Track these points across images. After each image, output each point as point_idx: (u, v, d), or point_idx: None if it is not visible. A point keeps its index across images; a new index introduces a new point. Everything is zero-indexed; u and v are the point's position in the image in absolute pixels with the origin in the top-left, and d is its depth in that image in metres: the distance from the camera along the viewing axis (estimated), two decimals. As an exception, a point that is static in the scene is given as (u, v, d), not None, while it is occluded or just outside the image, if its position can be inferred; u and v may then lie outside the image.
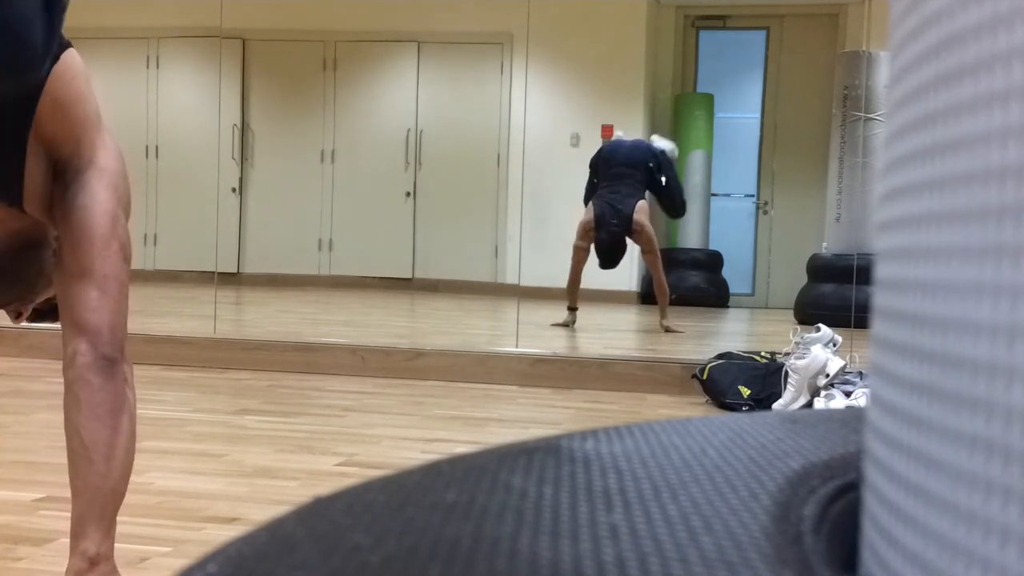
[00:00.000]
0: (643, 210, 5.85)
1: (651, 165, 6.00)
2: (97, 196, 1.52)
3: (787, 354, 4.01)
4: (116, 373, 1.49)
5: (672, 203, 6.18)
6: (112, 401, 1.48)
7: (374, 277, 9.03)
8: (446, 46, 9.16)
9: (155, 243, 8.80)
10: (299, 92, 9.34)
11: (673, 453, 0.36)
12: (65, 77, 1.52)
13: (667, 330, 5.93)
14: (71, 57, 1.55)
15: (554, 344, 5.09)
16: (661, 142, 6.23)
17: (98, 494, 1.48)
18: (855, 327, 4.70)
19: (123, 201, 1.57)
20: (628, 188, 5.87)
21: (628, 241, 5.90)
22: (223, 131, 8.96)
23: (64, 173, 1.54)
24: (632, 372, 4.44)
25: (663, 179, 6.02)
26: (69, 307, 1.50)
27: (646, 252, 5.92)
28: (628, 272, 8.25)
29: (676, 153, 6.42)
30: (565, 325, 5.91)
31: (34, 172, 1.53)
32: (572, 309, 5.97)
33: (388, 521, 0.28)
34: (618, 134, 6.76)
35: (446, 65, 9.20)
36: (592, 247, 5.90)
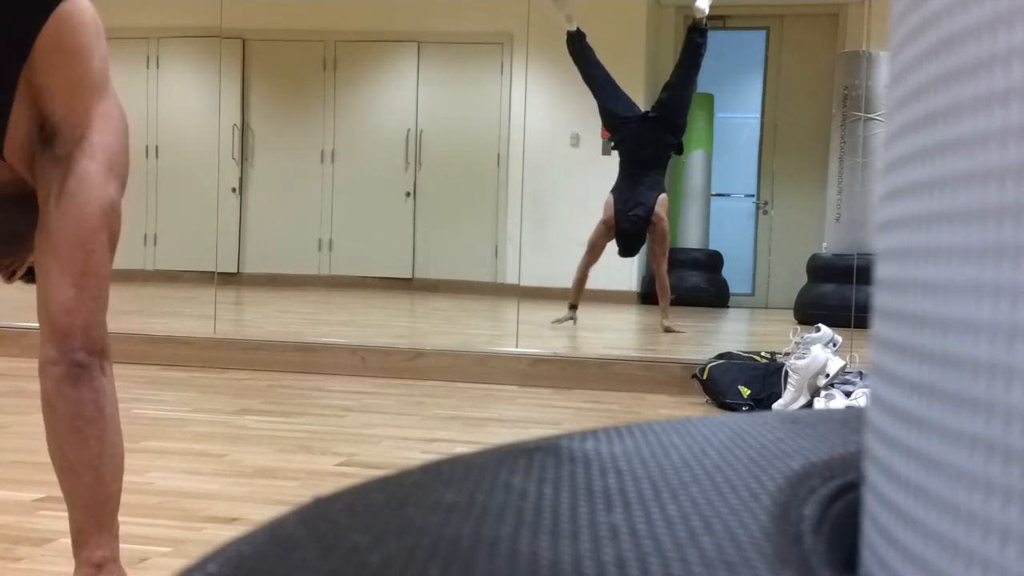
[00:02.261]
0: (663, 204, 5.86)
1: (674, 153, 5.98)
2: (87, 180, 1.39)
3: (787, 354, 4.01)
4: (91, 378, 1.42)
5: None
6: (90, 409, 1.42)
7: (374, 277, 9.02)
8: (446, 46, 9.16)
9: (155, 243, 8.80)
10: (299, 92, 9.34)
11: (673, 453, 0.36)
12: (69, 24, 1.37)
13: (667, 330, 5.93)
14: (81, 5, 1.39)
15: (554, 344, 5.09)
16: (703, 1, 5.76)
17: (91, 503, 1.44)
18: (855, 327, 4.70)
19: (120, 176, 1.45)
20: (652, 180, 5.86)
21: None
22: (223, 131, 8.96)
23: (54, 142, 1.40)
24: (632, 372, 4.44)
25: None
26: (44, 301, 1.41)
27: (656, 244, 5.91)
28: (628, 272, 8.25)
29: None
30: (563, 321, 5.88)
31: (19, 121, 1.39)
32: (573, 307, 5.94)
33: (388, 521, 0.28)
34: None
35: (446, 65, 9.20)
36: (611, 241, 5.88)
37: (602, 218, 5.88)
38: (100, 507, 1.45)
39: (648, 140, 5.88)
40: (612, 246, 5.95)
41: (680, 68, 5.90)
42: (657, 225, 5.82)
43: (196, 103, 9.04)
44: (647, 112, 5.95)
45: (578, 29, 5.93)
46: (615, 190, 5.91)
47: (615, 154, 6.09)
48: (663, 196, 5.87)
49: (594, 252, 5.93)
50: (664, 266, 5.97)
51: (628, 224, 5.78)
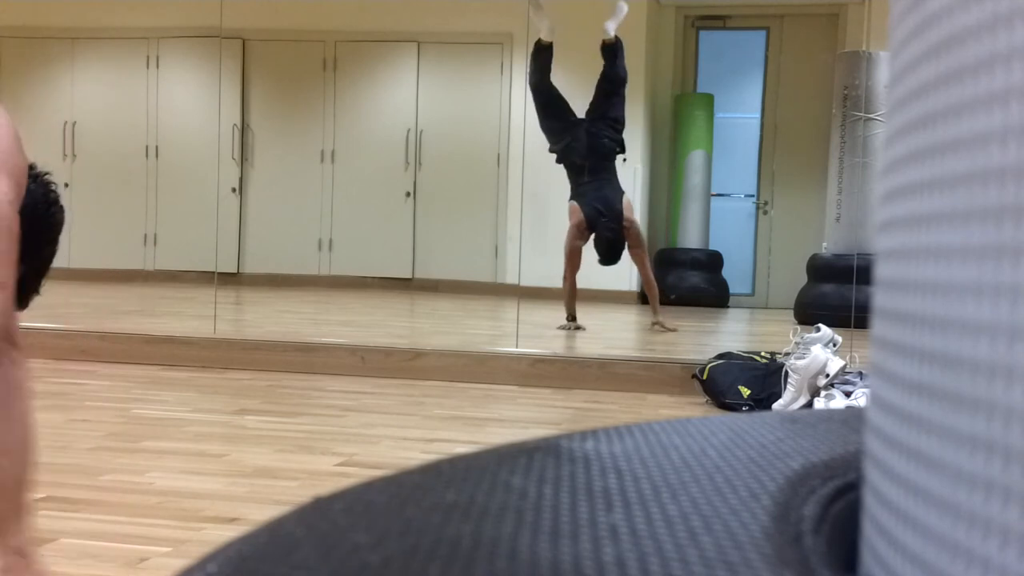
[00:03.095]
0: (629, 206, 5.91)
1: (618, 150, 6.05)
2: None
3: (787, 354, 4.01)
4: None
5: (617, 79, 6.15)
6: None
7: (374, 277, 9.03)
8: (446, 46, 9.16)
9: (155, 243, 8.80)
10: (299, 92, 9.35)
11: (673, 453, 0.36)
12: None
13: (659, 325, 5.94)
14: None
15: (554, 344, 5.09)
16: (611, 25, 6.09)
17: (4, 490, 1.47)
18: (855, 327, 4.70)
19: (10, 175, 1.46)
20: (610, 183, 5.91)
21: None
22: (223, 131, 8.96)
23: None
24: (632, 372, 4.44)
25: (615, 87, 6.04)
26: None
27: (634, 247, 5.92)
28: (628, 272, 8.25)
29: (624, 10, 6.20)
30: (570, 329, 5.87)
31: None
32: (572, 318, 5.91)
33: (388, 521, 0.28)
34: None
35: (446, 65, 9.20)
36: (591, 243, 5.89)
37: (572, 223, 5.88)
38: (16, 492, 1.47)
39: (590, 140, 5.95)
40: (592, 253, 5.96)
41: (603, 74, 6.08)
42: (630, 229, 5.84)
43: (196, 103, 9.04)
44: (582, 117, 6.07)
45: (551, 43, 6.06)
46: (578, 197, 5.91)
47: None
48: (627, 199, 5.91)
49: (574, 259, 5.90)
50: (647, 265, 5.99)
51: (609, 232, 5.78)
